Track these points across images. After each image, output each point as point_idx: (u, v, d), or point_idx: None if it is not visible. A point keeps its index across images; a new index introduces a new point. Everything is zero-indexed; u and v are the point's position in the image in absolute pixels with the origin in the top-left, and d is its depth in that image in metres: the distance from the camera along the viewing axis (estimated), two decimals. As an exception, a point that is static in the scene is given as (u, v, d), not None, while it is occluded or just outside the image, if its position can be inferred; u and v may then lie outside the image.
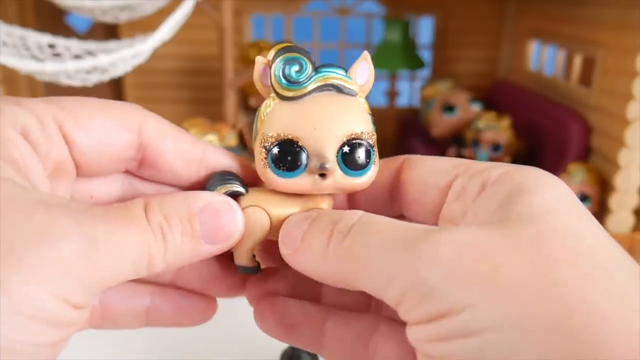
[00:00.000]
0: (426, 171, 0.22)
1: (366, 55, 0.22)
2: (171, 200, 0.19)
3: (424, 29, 1.01)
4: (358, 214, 0.19)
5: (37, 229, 0.16)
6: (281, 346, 0.40)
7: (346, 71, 0.21)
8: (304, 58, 0.21)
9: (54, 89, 0.84)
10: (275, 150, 0.21)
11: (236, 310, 0.41)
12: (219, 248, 0.20)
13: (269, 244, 0.24)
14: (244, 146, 0.72)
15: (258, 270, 0.23)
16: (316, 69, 0.21)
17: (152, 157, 0.22)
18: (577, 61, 0.73)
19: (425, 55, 0.99)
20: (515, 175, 0.19)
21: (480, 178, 0.19)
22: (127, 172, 0.23)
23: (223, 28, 0.72)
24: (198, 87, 0.97)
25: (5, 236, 0.15)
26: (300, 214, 0.21)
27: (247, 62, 0.75)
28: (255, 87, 0.23)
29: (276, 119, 0.21)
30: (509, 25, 0.97)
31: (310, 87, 0.21)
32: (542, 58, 0.86)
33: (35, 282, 0.15)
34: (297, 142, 0.20)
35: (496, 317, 0.15)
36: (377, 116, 0.22)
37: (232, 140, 0.69)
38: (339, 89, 0.21)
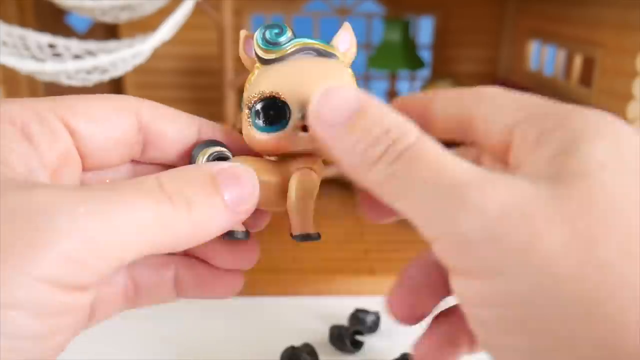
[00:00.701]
0: (494, 108, 0.21)
1: (347, 25, 0.23)
2: (185, 172, 0.19)
3: (424, 29, 1.01)
4: (414, 134, 0.18)
5: (36, 206, 0.15)
6: (281, 346, 0.40)
7: (327, 42, 0.23)
8: (284, 24, 0.22)
9: (54, 89, 0.84)
10: (259, 106, 0.22)
11: (237, 310, 0.41)
12: (245, 210, 0.20)
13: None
14: (244, 146, 0.72)
15: (247, 237, 0.23)
16: (296, 37, 0.22)
17: (154, 139, 0.23)
18: (577, 61, 0.73)
19: (425, 55, 0.99)
20: (574, 119, 0.18)
21: (540, 124, 0.18)
22: (133, 161, 0.24)
23: (223, 28, 0.72)
24: (198, 87, 0.97)
25: (2, 216, 0.15)
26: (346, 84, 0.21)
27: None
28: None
29: (259, 82, 0.22)
30: (509, 25, 0.97)
31: (291, 49, 0.22)
32: (542, 58, 0.86)
33: (21, 264, 0.14)
34: (280, 97, 0.21)
35: (527, 289, 0.14)
36: (377, 116, 0.23)
37: (232, 140, 0.69)
38: (319, 52, 0.22)
